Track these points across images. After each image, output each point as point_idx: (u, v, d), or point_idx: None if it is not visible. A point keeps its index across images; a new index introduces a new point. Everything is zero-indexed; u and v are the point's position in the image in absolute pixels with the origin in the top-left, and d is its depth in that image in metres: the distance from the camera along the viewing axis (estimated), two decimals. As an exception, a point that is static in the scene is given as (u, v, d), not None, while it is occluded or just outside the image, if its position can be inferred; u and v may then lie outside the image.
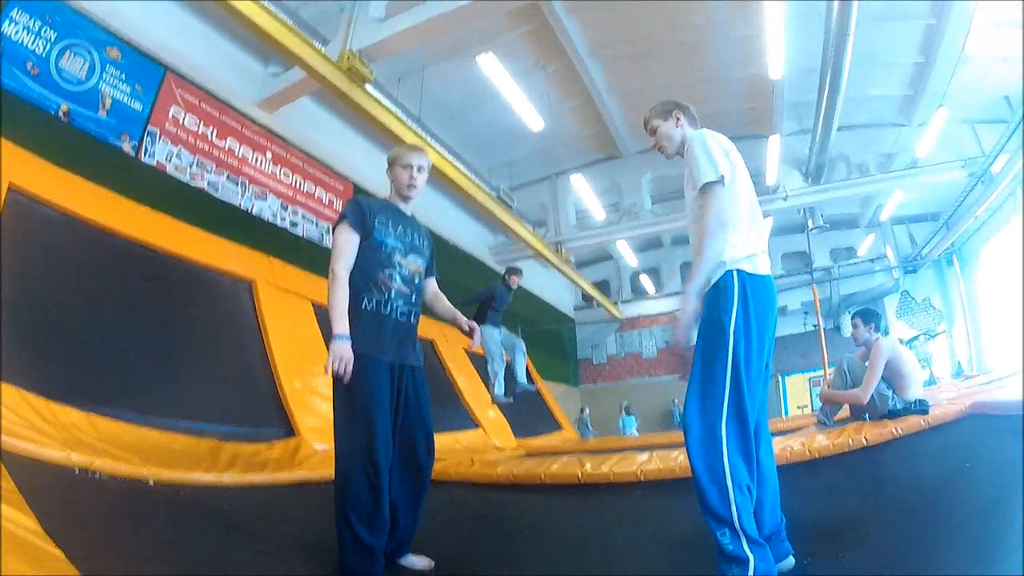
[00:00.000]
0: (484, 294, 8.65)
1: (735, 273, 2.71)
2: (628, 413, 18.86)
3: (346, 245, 3.13)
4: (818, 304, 16.73)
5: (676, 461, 4.67)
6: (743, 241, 2.78)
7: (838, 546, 2.84)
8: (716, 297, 2.72)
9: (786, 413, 18.80)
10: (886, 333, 6.13)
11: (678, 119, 3.15)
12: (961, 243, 17.89)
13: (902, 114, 14.69)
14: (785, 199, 15.10)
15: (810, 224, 17.20)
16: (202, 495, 3.99)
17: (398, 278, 3.21)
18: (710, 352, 2.64)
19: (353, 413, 2.99)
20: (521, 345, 8.73)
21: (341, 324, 2.99)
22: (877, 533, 2.95)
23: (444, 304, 3.60)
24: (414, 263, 3.33)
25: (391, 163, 3.42)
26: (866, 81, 12.92)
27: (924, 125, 13.46)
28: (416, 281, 3.33)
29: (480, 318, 8.37)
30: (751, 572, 2.33)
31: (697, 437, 2.54)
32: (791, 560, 2.62)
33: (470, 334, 3.56)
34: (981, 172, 13.97)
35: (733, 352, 2.59)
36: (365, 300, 3.11)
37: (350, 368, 2.94)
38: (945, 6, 10.88)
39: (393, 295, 3.19)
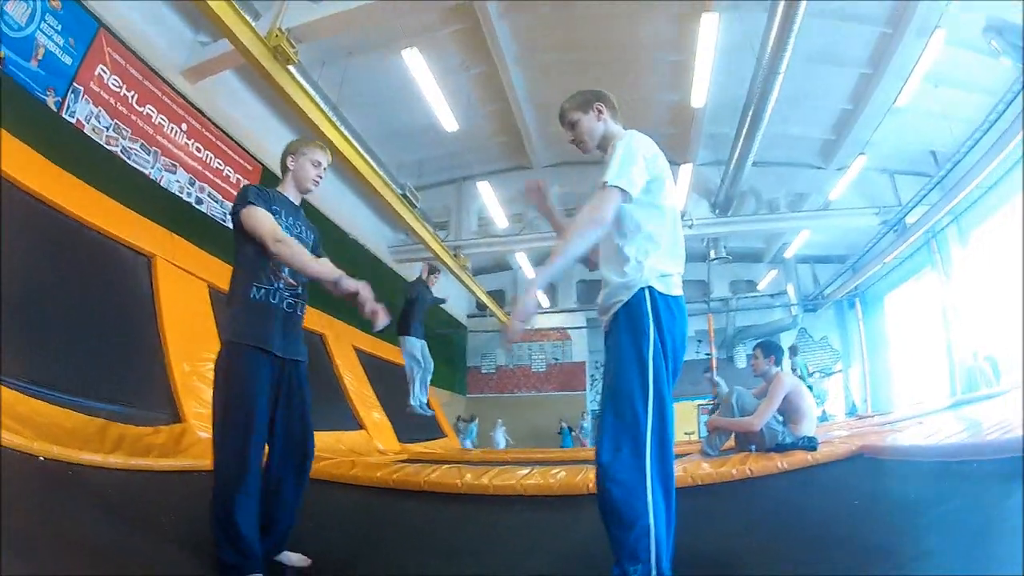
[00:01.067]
0: (405, 296, 8.75)
1: (647, 291, 2.55)
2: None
3: (267, 218, 3.07)
4: (712, 333, 17.34)
5: (556, 477, 4.75)
6: (662, 259, 2.64)
7: (712, 572, 2.89)
8: (628, 319, 2.55)
9: (703, 444, 19.06)
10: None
11: (599, 111, 2.99)
12: (865, 287, 18.81)
13: (821, 156, 15.43)
14: (691, 227, 15.45)
15: (712, 254, 17.75)
16: (89, 476, 3.91)
17: (287, 269, 3.17)
18: (625, 382, 2.45)
19: (230, 403, 2.96)
20: (431, 368, 8.72)
21: (331, 267, 3.09)
22: (752, 560, 3.04)
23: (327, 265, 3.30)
24: None
25: (296, 154, 3.43)
26: (789, 120, 13.36)
27: (842, 169, 14.09)
28: (302, 276, 3.26)
29: (403, 326, 8.33)
30: None
31: (616, 474, 2.35)
32: None
33: (375, 317, 3.15)
34: (895, 221, 14.66)
35: (654, 378, 2.44)
36: (254, 290, 3.08)
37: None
38: (885, 56, 11.42)
39: (281, 286, 3.17)
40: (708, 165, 15.20)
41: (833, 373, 19.67)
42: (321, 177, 3.48)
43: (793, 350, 16.27)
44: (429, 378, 8.85)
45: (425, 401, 8.74)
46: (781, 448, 5.31)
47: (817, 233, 17.08)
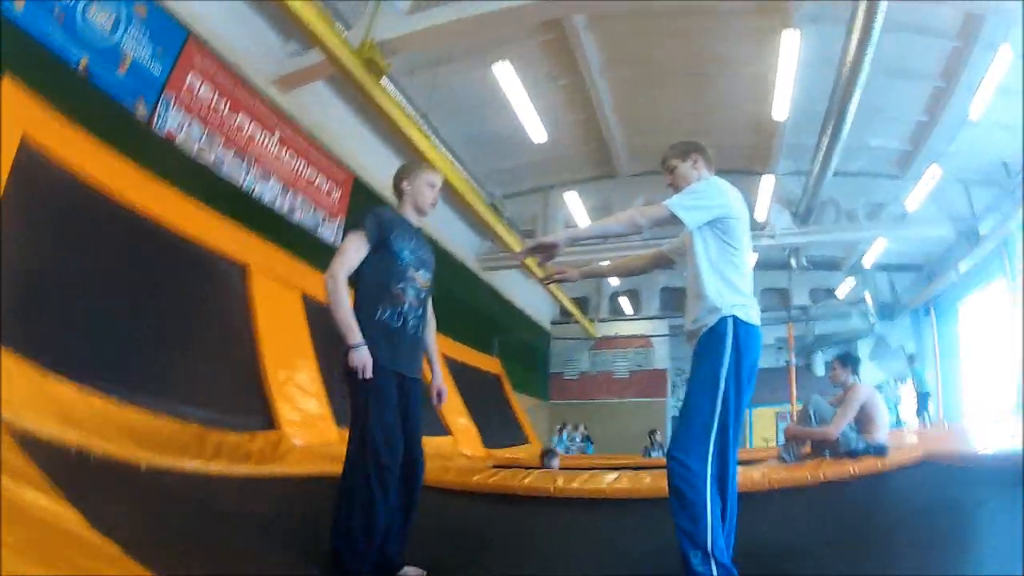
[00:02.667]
0: None
1: (731, 320, 2.89)
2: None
3: (354, 253, 3.18)
4: (792, 341, 17.07)
5: (642, 482, 4.91)
6: (741, 289, 2.99)
7: (786, 570, 3.15)
8: (711, 341, 2.90)
9: (751, 444, 19.26)
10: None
11: (695, 161, 3.31)
12: (939, 295, 18.52)
13: (898, 167, 15.07)
14: (773, 237, 15.41)
15: (793, 263, 17.77)
16: (188, 483, 3.93)
17: (411, 291, 3.26)
18: (702, 393, 2.84)
19: (367, 418, 3.03)
20: None
21: (355, 333, 3.03)
22: (821, 560, 3.24)
23: (431, 336, 3.61)
24: (424, 278, 3.37)
25: (412, 176, 3.46)
26: (867, 131, 13.16)
27: (918, 179, 13.91)
28: (423, 296, 3.37)
29: None
30: None
31: (683, 469, 2.72)
32: None
33: (438, 402, 3.62)
34: (969, 231, 14.56)
35: (724, 396, 2.80)
36: (379, 311, 3.14)
37: (368, 371, 2.99)
38: (957, 70, 11.21)
39: (406, 308, 3.23)
40: (790, 175, 15.03)
41: (907, 379, 19.25)
42: (437, 199, 3.54)
43: (911, 359, 16.01)
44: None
45: None
46: (854, 454, 5.48)
47: (895, 243, 16.94)
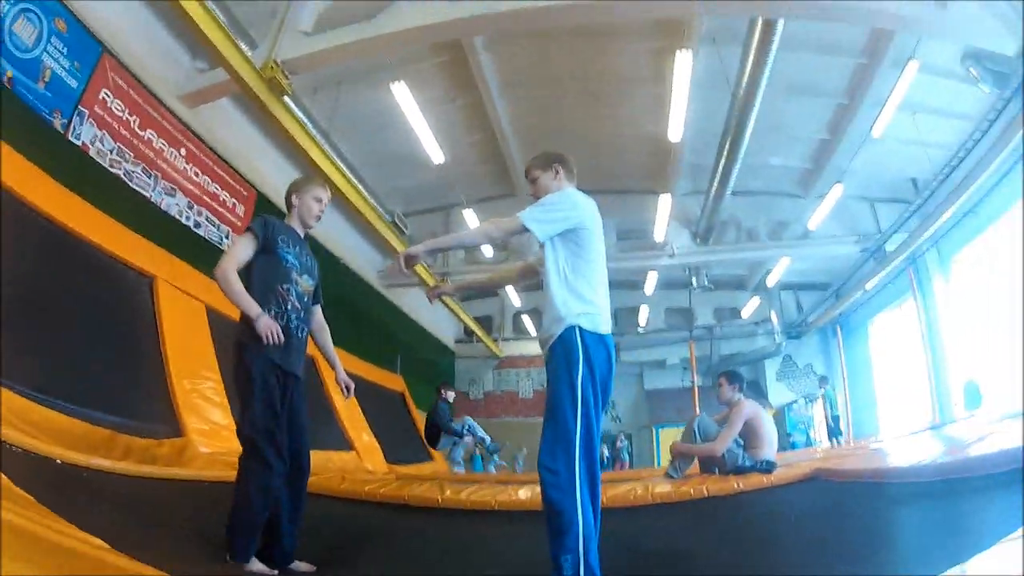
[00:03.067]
0: (436, 417, 9.90)
1: (577, 330, 2.98)
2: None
3: (242, 250, 3.42)
4: (694, 361, 17.55)
5: (527, 495, 5.08)
6: (587, 298, 3.07)
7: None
8: (563, 350, 2.99)
9: (659, 463, 19.20)
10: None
11: (557, 172, 3.42)
12: (848, 314, 19.04)
13: (800, 186, 15.64)
14: (672, 256, 15.80)
15: (694, 282, 17.97)
16: (102, 479, 4.08)
17: (294, 293, 3.49)
18: (562, 402, 2.91)
19: (253, 410, 3.26)
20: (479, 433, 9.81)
21: (255, 306, 3.26)
22: (699, 566, 3.39)
23: (327, 339, 3.90)
24: (307, 283, 3.62)
25: (300, 191, 3.71)
26: (767, 150, 13.59)
27: (821, 197, 14.26)
28: (306, 300, 3.61)
29: (433, 439, 9.91)
30: None
31: (552, 476, 2.79)
32: None
33: (347, 393, 3.88)
34: (874, 248, 14.93)
35: (583, 399, 2.88)
36: (266, 310, 3.32)
37: (279, 332, 3.23)
38: (861, 87, 11.67)
39: (289, 308, 3.45)
40: (689, 195, 15.38)
41: (817, 399, 19.84)
42: (323, 212, 3.78)
43: (823, 380, 16.38)
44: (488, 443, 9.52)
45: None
46: (740, 471, 5.59)
47: (798, 261, 17.35)
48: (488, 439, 9.46)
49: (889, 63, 10.76)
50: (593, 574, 2.66)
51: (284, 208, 3.74)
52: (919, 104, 11.40)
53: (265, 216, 3.58)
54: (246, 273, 3.43)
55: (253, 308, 3.24)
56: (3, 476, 2.45)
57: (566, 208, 3.16)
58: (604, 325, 3.08)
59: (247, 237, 3.43)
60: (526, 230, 3.07)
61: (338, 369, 3.87)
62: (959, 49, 10.16)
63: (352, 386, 3.86)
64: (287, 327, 3.39)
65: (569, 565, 2.64)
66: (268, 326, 3.20)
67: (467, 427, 9.66)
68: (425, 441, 9.50)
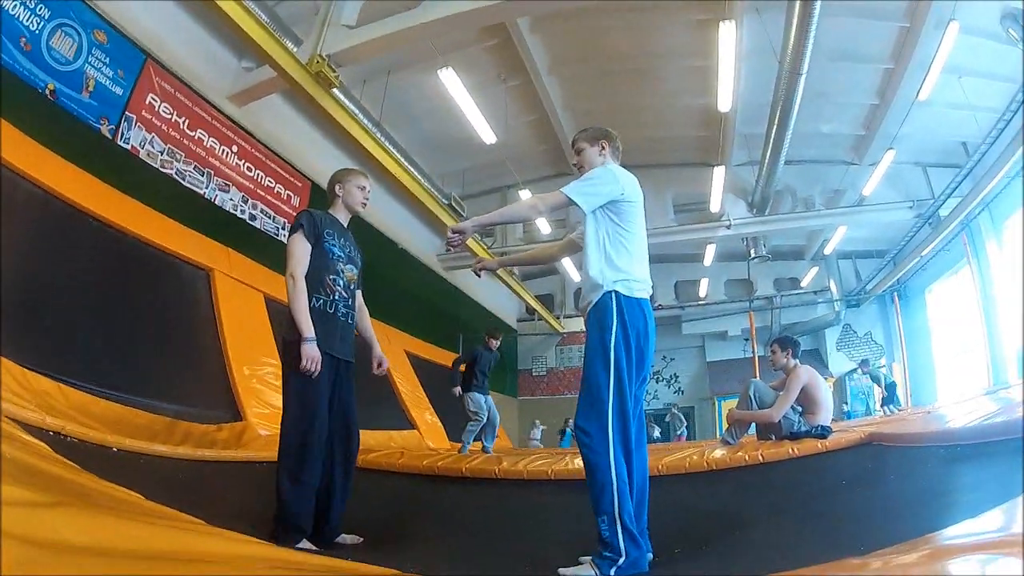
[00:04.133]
0: (466, 358, 9.42)
1: (613, 295, 3.03)
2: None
3: (302, 253, 3.55)
4: (754, 331, 17.31)
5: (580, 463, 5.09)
6: (623, 267, 3.10)
7: (722, 545, 3.20)
8: (597, 315, 3.04)
9: (721, 433, 19.04)
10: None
11: (603, 147, 3.46)
12: (906, 281, 18.69)
13: (853, 152, 15.31)
14: (728, 227, 15.62)
15: (752, 253, 17.77)
16: (158, 464, 4.35)
17: (340, 283, 3.66)
18: (596, 365, 2.96)
19: (300, 388, 3.42)
20: (496, 420, 9.30)
21: (308, 327, 3.39)
22: (758, 536, 3.31)
23: (365, 321, 4.06)
24: (351, 272, 3.78)
25: (343, 180, 3.87)
26: (818, 118, 13.40)
27: (875, 164, 14.03)
28: (352, 288, 3.77)
29: (467, 383, 9.10)
30: (622, 558, 2.66)
31: (586, 437, 2.86)
32: (649, 556, 2.87)
33: (379, 368, 3.98)
34: (929, 214, 14.67)
35: (616, 366, 2.92)
36: (314, 299, 3.51)
37: (319, 367, 3.36)
38: (906, 51, 11.41)
39: (336, 297, 3.63)
40: (743, 166, 15.19)
41: (878, 367, 19.48)
42: (367, 199, 3.94)
43: (864, 363, 16.11)
44: (495, 429, 9.37)
45: (488, 448, 9.21)
46: (795, 436, 5.53)
47: (855, 229, 17.05)
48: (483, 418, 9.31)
49: (932, 25, 10.45)
50: (629, 534, 2.70)
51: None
52: (964, 67, 11.15)
53: (310, 210, 3.74)
54: None
55: (308, 329, 3.38)
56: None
57: (609, 181, 3.19)
58: (640, 291, 3.13)
59: (299, 236, 3.56)
60: (571, 203, 3.13)
61: (375, 346, 3.99)
62: (999, 9, 9.89)
63: (386, 363, 4.00)
64: (335, 315, 3.60)
65: (606, 526, 2.70)
66: (312, 357, 3.33)
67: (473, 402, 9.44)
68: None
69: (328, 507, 3.51)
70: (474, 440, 9.05)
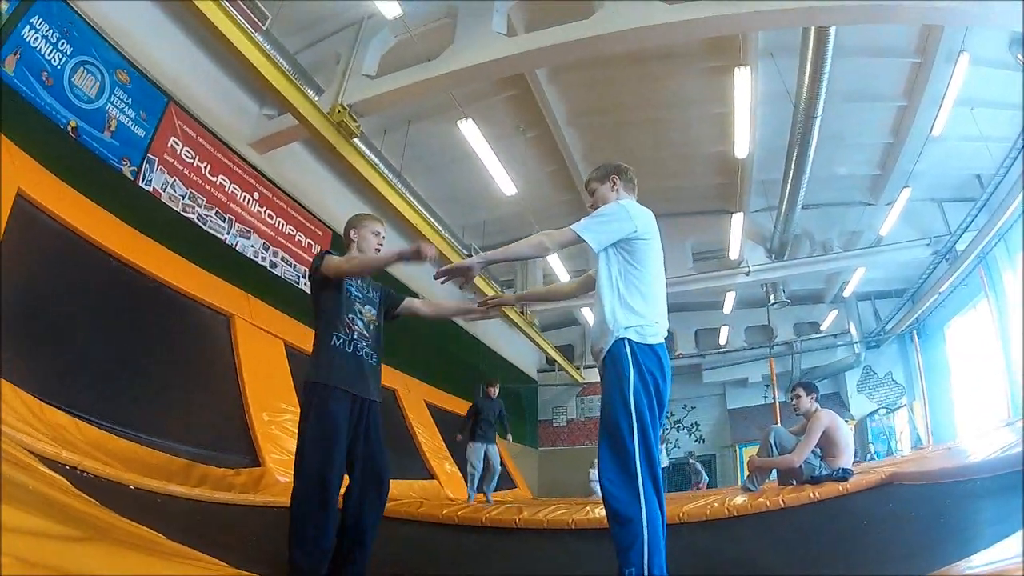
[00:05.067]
0: (470, 412, 9.72)
1: (626, 343, 2.97)
2: None
3: (338, 258, 3.56)
4: (774, 377, 17.16)
5: (603, 513, 4.96)
6: (637, 309, 3.04)
7: None
8: (613, 365, 2.99)
9: (742, 480, 18.81)
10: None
11: (614, 183, 3.44)
12: (924, 319, 18.45)
13: (870, 193, 15.27)
14: (748, 274, 15.58)
15: (771, 299, 17.77)
16: (175, 505, 4.25)
17: (359, 323, 3.61)
18: (617, 415, 2.88)
19: (315, 436, 3.29)
20: (496, 469, 9.59)
21: (393, 249, 3.45)
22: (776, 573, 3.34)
23: (445, 302, 3.96)
24: (370, 312, 3.73)
25: (358, 226, 3.83)
26: (833, 161, 13.38)
27: (891, 204, 14.00)
28: (372, 328, 3.71)
29: (471, 432, 9.48)
30: None
31: (615, 489, 2.78)
32: None
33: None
34: (945, 250, 14.60)
35: (637, 412, 2.85)
36: (334, 337, 3.46)
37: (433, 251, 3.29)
38: (918, 86, 11.35)
39: (356, 336, 3.56)
40: (761, 211, 15.14)
41: (898, 408, 19.15)
42: (382, 245, 3.88)
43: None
44: (494, 478, 9.58)
45: (488, 495, 9.35)
46: (816, 480, 5.55)
47: (873, 270, 17.00)
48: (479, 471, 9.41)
49: (942, 59, 10.46)
50: None
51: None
52: (976, 99, 11.12)
53: (330, 251, 3.72)
54: (314, 305, 3.60)
55: (395, 250, 3.40)
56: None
57: (621, 218, 3.13)
58: (653, 336, 3.05)
59: (333, 254, 3.59)
60: (580, 240, 3.07)
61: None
62: (1006, 37, 9.92)
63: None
64: (355, 353, 3.52)
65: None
66: (425, 245, 3.26)
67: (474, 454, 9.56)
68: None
69: (351, 555, 3.34)
70: (478, 491, 9.23)
